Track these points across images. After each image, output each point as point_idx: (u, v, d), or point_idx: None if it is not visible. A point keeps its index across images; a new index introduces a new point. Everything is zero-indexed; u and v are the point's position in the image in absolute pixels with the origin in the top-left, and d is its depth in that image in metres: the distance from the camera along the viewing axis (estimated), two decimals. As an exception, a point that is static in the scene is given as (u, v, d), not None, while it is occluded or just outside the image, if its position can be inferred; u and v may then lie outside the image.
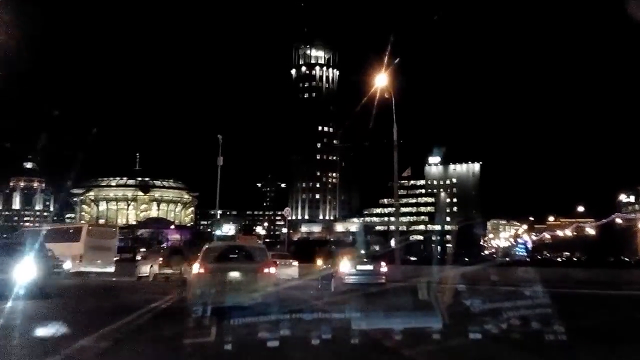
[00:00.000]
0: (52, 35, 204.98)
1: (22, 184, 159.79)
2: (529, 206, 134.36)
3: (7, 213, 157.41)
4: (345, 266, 18.57)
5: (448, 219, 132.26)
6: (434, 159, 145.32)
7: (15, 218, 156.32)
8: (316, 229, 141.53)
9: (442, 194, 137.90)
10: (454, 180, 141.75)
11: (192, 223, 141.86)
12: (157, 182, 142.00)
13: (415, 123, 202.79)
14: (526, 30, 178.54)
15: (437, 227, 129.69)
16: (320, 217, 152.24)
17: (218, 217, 66.30)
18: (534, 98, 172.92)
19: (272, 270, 11.60)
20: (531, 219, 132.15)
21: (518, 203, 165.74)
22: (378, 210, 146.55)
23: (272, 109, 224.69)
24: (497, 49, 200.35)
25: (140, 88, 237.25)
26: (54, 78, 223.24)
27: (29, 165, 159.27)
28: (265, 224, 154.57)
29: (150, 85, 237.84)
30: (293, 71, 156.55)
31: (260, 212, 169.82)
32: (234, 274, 11.02)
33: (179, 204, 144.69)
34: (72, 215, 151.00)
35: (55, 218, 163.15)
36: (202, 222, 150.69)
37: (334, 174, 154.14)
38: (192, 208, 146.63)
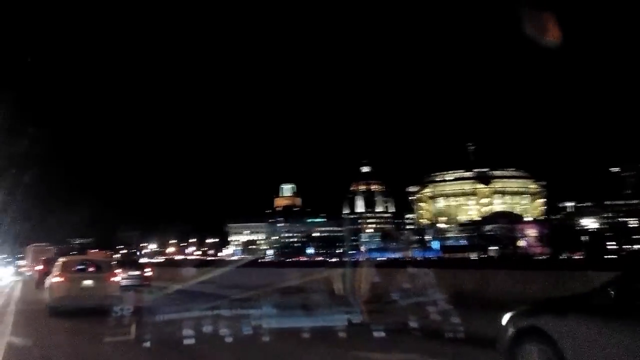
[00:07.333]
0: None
1: (362, 187, 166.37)
2: None
3: (352, 216, 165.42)
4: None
5: None
6: None
7: (360, 221, 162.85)
8: None
9: None
10: None
11: (543, 217, 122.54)
12: (497, 172, 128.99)
13: None
14: None
15: None
16: None
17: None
18: None
19: (116, 278, 14.53)
20: None
21: None
22: None
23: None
24: None
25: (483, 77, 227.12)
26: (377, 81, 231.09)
27: (365, 169, 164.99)
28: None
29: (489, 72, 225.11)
30: None
31: (622, 202, 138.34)
32: (87, 282, 13.80)
33: (524, 195, 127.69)
34: (411, 215, 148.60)
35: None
36: (552, 217, 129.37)
37: None
38: (541, 199, 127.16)
